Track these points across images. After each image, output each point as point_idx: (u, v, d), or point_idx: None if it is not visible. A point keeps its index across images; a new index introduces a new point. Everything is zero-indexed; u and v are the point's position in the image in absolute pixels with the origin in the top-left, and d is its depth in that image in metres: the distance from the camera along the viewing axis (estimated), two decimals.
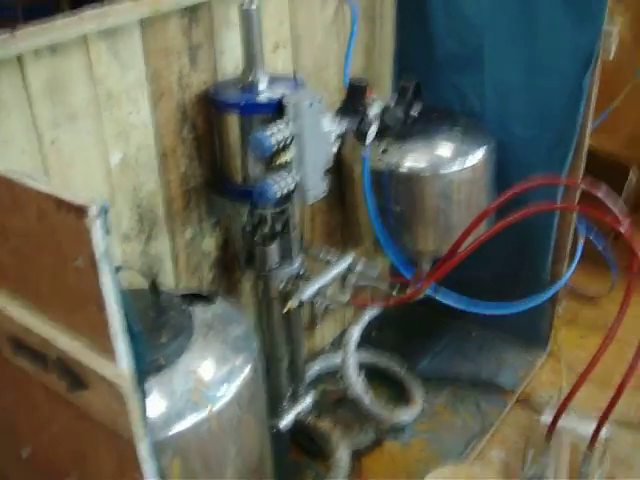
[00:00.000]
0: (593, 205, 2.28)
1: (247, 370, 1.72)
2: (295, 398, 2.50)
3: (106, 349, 1.00)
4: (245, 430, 1.75)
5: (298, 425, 2.50)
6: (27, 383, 1.23)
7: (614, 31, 2.50)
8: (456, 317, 3.07)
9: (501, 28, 2.64)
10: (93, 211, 0.90)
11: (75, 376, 1.06)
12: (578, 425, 2.47)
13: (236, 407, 1.66)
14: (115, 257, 1.53)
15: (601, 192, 2.19)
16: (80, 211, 0.91)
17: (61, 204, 0.93)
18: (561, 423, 2.41)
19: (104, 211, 0.91)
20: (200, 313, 1.79)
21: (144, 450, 1.07)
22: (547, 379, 3.02)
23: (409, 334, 3.18)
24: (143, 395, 1.05)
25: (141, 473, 1.09)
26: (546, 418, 2.46)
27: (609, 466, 2.53)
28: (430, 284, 2.30)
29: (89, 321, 1.01)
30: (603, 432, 2.36)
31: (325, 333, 3.10)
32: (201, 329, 1.73)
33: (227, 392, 1.64)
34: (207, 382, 1.63)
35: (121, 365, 1.01)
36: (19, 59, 1.57)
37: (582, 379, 2.27)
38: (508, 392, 2.95)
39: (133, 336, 1.02)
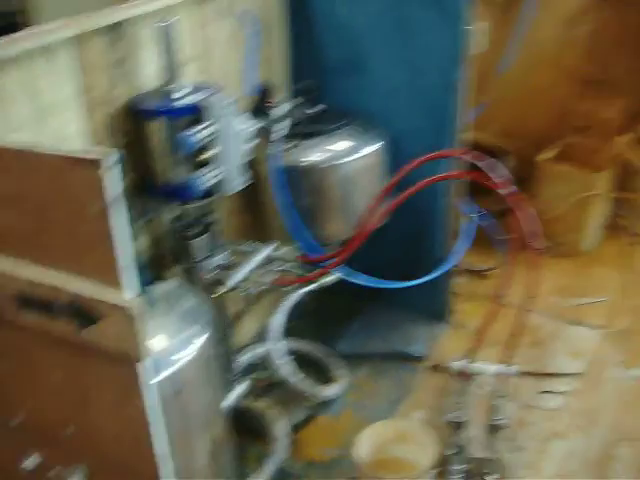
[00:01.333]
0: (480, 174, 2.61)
1: (203, 337, 1.95)
2: (230, 385, 2.73)
3: (115, 282, 1.23)
4: (203, 389, 1.98)
5: (237, 410, 2.72)
6: (27, 343, 1.42)
7: (479, 30, 2.88)
8: (367, 301, 3.41)
9: (379, 34, 2.99)
10: (107, 162, 1.13)
11: (85, 314, 1.27)
12: (484, 369, 2.84)
13: (193, 370, 1.89)
14: None
15: (484, 163, 2.50)
16: (95, 164, 1.14)
17: (76, 162, 1.15)
18: (470, 368, 2.76)
19: (119, 160, 1.15)
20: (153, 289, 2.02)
21: (145, 371, 1.29)
22: (452, 346, 3.33)
23: (326, 320, 3.44)
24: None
25: (141, 398, 1.31)
26: (457, 364, 2.81)
27: (517, 408, 2.91)
28: (343, 257, 2.58)
29: (99, 261, 1.23)
30: (504, 371, 2.70)
31: (250, 327, 3.33)
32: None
33: (183, 357, 1.87)
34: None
35: (130, 293, 1.25)
36: None
37: (481, 333, 2.59)
38: (420, 360, 3.27)
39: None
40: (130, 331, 1.24)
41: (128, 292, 1.25)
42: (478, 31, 2.86)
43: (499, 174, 2.40)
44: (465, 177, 2.97)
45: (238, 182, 2.36)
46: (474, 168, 2.56)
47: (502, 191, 2.39)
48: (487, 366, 2.91)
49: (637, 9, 3.74)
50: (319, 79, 2.98)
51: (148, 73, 2.36)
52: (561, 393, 3.11)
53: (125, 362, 1.28)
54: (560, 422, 2.96)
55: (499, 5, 3.97)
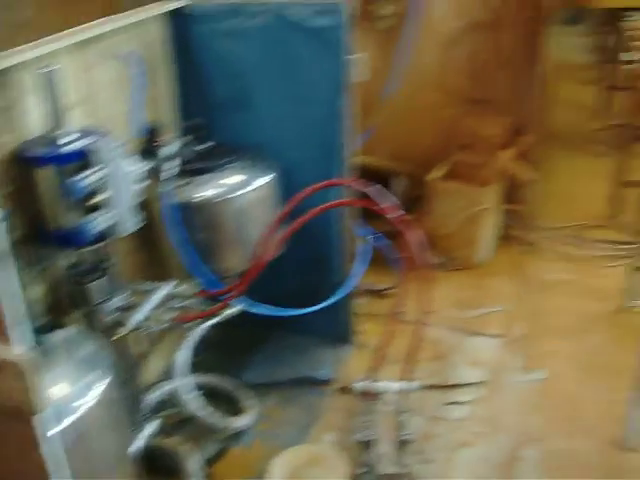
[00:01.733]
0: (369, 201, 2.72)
1: (104, 382, 1.96)
2: (139, 425, 2.71)
3: (4, 338, 1.23)
4: (108, 434, 1.98)
5: (148, 449, 2.71)
6: None
7: (359, 60, 2.99)
8: (272, 329, 3.45)
9: (263, 69, 3.07)
10: None
11: None
12: (387, 387, 2.92)
13: (96, 415, 1.89)
14: None
15: (372, 189, 2.61)
16: None
17: None
18: (374, 388, 2.84)
19: (4, 218, 1.15)
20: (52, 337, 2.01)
21: (43, 423, 1.30)
22: (357, 367, 3.39)
23: (232, 352, 3.46)
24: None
25: (40, 451, 1.31)
26: (361, 384, 2.88)
27: (423, 422, 3.00)
28: (242, 289, 2.62)
29: None
30: (406, 387, 2.79)
31: (156, 365, 3.31)
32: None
33: (84, 403, 1.87)
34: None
35: (21, 347, 1.25)
36: None
37: (380, 352, 2.68)
38: (327, 384, 3.33)
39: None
40: (22, 386, 1.25)
41: (18, 346, 1.26)
42: (359, 61, 2.96)
43: (386, 199, 2.50)
44: (355, 204, 3.06)
45: (132, 223, 2.38)
46: (363, 194, 2.66)
47: (390, 215, 2.48)
48: (390, 384, 3.00)
49: (509, 33, 3.93)
50: (207, 116, 3.03)
51: (34, 120, 2.35)
52: (465, 403, 3.22)
53: (20, 417, 1.29)
54: (466, 431, 3.07)
55: (381, 32, 4.10)
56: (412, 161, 4.25)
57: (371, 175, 3.87)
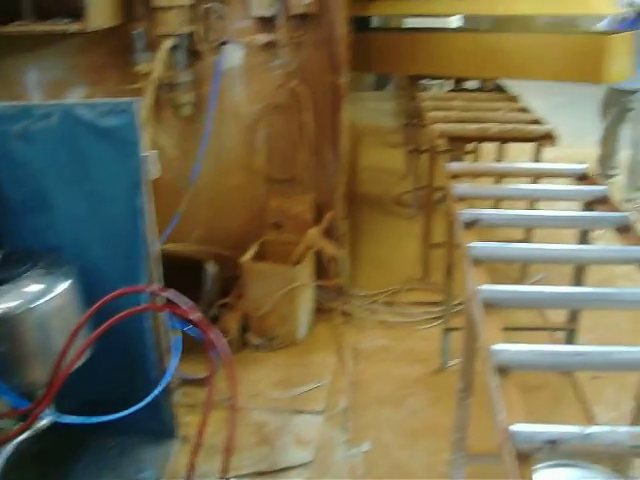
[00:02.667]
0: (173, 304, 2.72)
1: None
2: None
3: None
4: None
5: None
6: None
7: (153, 156, 2.98)
8: (94, 433, 3.29)
9: (57, 170, 2.98)
10: None
11: None
12: None
13: None
14: None
15: (170, 293, 2.59)
16: None
17: None
18: None
19: None
20: None
21: None
22: (183, 461, 3.29)
23: (52, 463, 3.28)
24: None
25: None
26: None
27: None
28: (47, 402, 2.50)
29: None
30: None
31: None
32: None
33: None
34: None
35: None
36: None
37: (196, 447, 2.63)
38: None
39: None
40: None
41: None
42: (152, 158, 2.95)
43: (184, 301, 2.49)
44: (155, 309, 3.04)
45: None
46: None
47: (191, 317, 2.47)
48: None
49: (308, 112, 4.07)
50: (1, 221, 2.90)
51: None
52: None
53: None
54: None
55: (183, 119, 4.13)
56: (223, 244, 4.26)
57: (182, 262, 3.88)
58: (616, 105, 6.40)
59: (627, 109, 6.36)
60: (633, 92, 6.17)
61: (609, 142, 6.61)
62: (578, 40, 5.00)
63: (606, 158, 6.68)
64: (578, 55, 4.82)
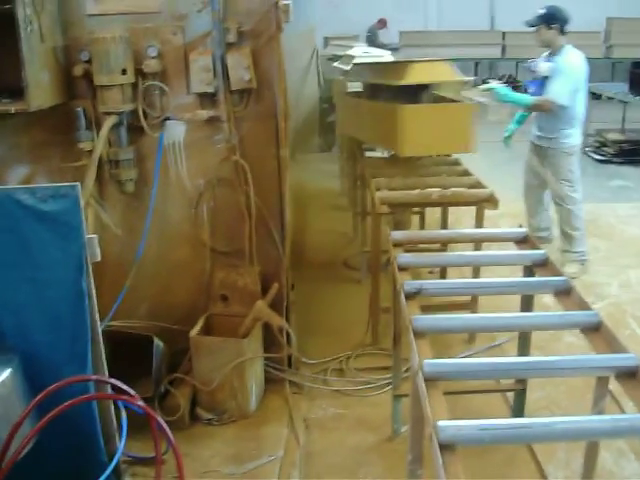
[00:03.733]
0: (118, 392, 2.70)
1: None
2: None
3: None
4: None
5: None
6: None
7: (95, 240, 2.97)
8: None
9: None
10: None
11: None
12: None
13: None
14: None
15: (114, 380, 2.57)
16: None
17: None
18: None
19: None
20: None
21: None
22: None
23: None
24: None
25: None
26: None
27: None
28: None
29: None
30: None
31: None
32: None
33: None
34: None
35: None
36: None
37: None
38: None
39: None
40: None
41: None
42: (93, 241, 2.95)
43: (127, 389, 2.47)
44: (99, 398, 3.00)
45: None
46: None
47: (135, 404, 2.45)
48: None
49: (251, 185, 4.12)
50: None
51: None
52: None
53: None
54: None
55: (129, 195, 4.14)
56: (171, 318, 4.24)
57: (130, 339, 3.85)
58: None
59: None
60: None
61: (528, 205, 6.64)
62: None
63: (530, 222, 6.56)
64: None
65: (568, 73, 5.78)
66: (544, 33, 5.87)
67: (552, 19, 5.83)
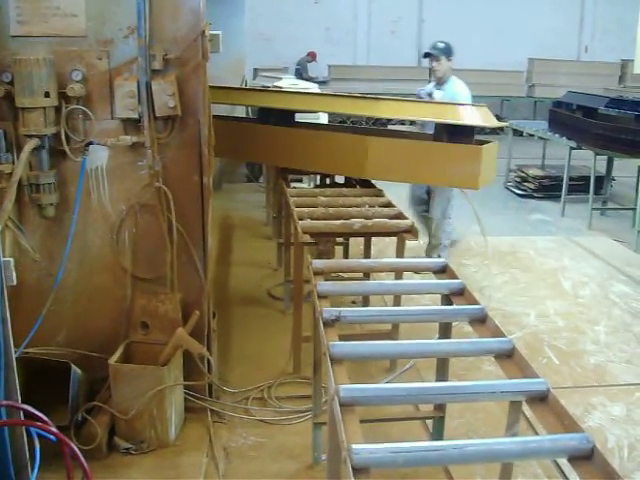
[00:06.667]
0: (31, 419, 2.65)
1: None
2: None
3: None
4: None
5: None
6: None
7: (10, 264, 2.92)
8: None
9: None
10: None
11: None
12: None
13: None
14: None
15: (25, 406, 2.51)
16: None
17: None
18: None
19: None
20: None
21: None
22: None
23: None
24: None
25: None
26: None
27: None
28: None
29: None
30: None
31: None
32: None
33: None
34: None
35: None
36: None
37: None
38: None
39: None
40: None
41: None
42: (8, 265, 2.90)
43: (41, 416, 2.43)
44: (15, 424, 2.93)
45: None
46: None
47: (48, 431, 2.42)
48: None
49: (174, 211, 4.11)
50: None
51: None
52: None
53: None
54: None
55: (49, 219, 4.08)
56: (90, 345, 4.17)
57: (47, 366, 3.77)
58: None
59: None
60: None
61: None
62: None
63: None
64: None
65: (465, 97, 6.65)
66: (444, 63, 6.84)
67: (450, 52, 6.86)
